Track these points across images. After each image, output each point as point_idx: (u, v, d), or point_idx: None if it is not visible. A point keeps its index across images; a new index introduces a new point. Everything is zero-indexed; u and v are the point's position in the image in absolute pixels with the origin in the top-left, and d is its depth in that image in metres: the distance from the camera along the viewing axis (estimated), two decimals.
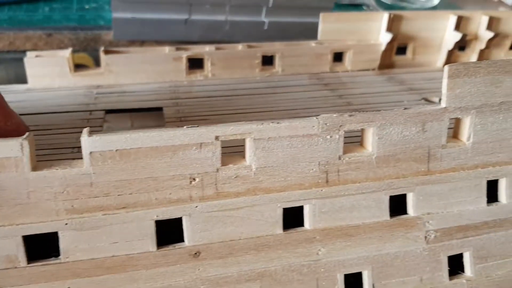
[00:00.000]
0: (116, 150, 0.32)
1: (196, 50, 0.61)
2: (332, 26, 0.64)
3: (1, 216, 0.31)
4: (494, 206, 0.40)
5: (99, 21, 0.63)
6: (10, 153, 0.30)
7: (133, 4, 0.54)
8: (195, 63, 0.62)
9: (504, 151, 0.40)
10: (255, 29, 0.48)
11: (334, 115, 0.35)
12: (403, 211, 0.39)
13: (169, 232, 0.34)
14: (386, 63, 0.66)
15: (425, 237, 0.39)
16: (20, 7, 0.61)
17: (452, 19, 0.65)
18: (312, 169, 0.36)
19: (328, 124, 0.35)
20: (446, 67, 0.36)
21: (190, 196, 0.34)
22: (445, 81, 0.36)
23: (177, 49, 0.61)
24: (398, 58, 0.67)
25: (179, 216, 0.34)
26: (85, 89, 0.57)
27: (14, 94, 0.55)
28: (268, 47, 0.62)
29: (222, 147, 0.33)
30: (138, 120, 0.51)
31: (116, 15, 0.56)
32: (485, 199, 0.40)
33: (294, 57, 0.63)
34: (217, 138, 0.33)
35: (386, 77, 0.63)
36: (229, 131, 0.33)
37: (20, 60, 0.60)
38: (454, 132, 0.39)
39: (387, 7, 0.58)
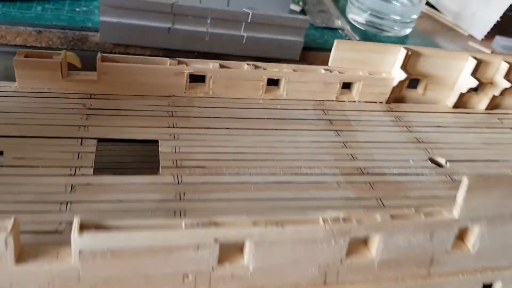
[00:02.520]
0: (108, 249, 0.29)
1: (199, 66, 0.57)
2: (344, 54, 0.61)
3: None
4: None
5: (88, 23, 0.62)
6: None
7: (120, 10, 0.55)
8: (196, 77, 0.58)
9: (505, 257, 0.39)
10: (233, 42, 0.50)
11: (342, 219, 0.33)
12: None
13: None
14: (395, 97, 0.64)
15: None
16: (14, 5, 0.60)
17: (470, 62, 0.61)
18: (311, 271, 0.34)
19: (334, 231, 0.33)
20: (465, 179, 0.34)
21: None
22: (462, 193, 0.34)
23: (179, 62, 0.57)
24: (408, 93, 0.64)
25: None
26: (76, 99, 0.53)
27: (1, 97, 0.51)
28: (275, 72, 0.59)
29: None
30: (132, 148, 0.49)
31: (103, 18, 0.56)
32: None
33: (300, 83, 0.60)
34: (216, 240, 0.31)
35: (393, 116, 0.61)
36: (230, 234, 0.31)
37: (10, 54, 0.56)
38: (460, 236, 0.38)
39: (361, 32, 0.56)
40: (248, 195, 0.44)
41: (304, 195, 0.45)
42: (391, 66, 0.62)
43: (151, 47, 0.54)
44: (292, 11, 0.58)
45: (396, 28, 0.57)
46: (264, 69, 0.59)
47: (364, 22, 0.59)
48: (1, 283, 0.29)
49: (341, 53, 0.60)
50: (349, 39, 0.56)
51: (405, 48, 0.60)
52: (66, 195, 0.40)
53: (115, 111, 0.52)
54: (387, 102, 0.64)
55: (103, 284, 0.31)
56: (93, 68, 0.58)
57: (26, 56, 0.53)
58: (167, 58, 0.57)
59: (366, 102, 0.63)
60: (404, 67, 0.61)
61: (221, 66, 0.58)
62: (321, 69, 0.61)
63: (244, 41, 0.52)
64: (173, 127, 0.52)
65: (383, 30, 0.57)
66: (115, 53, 0.60)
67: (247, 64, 0.59)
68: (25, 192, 0.40)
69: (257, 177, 0.46)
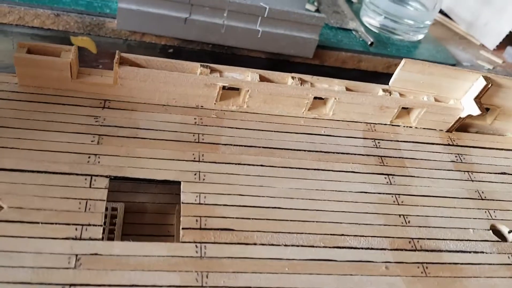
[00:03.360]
0: None
1: (236, 77, 0.48)
2: (410, 75, 0.51)
3: None
4: None
5: (105, 9, 0.55)
6: None
7: None
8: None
9: None
10: (249, 36, 0.46)
11: None
12: None
13: None
14: (458, 126, 0.54)
15: None
16: None
17: None
18: None
19: None
20: None
21: None
22: None
23: (211, 70, 0.47)
24: (474, 121, 0.55)
25: None
26: (87, 107, 0.45)
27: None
28: (324, 91, 0.49)
29: None
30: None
31: (122, 5, 0.51)
32: None
33: (352, 104, 0.51)
34: None
35: (454, 154, 0.52)
36: None
37: (27, 35, 0.51)
38: None
39: (375, 35, 0.53)
40: (282, 279, 0.37)
41: (347, 283, 0.38)
42: (462, 93, 0.52)
43: (166, 36, 0.50)
44: (307, 11, 0.52)
45: (409, 32, 0.55)
46: (312, 84, 0.49)
47: (378, 25, 0.56)
48: None
49: (406, 74, 0.50)
50: (362, 40, 0.49)
51: (485, 77, 0.49)
52: (69, 273, 0.34)
53: (132, 131, 0.44)
54: (448, 130, 0.54)
55: None
56: (108, 55, 0.49)
57: (29, 51, 0.44)
58: (198, 64, 0.47)
59: (424, 128, 0.54)
60: (479, 98, 0.51)
61: (261, 78, 0.49)
62: (379, 89, 0.51)
63: (259, 36, 0.48)
64: (199, 160, 0.44)
65: (396, 34, 0.54)
66: (131, 40, 0.50)
67: (292, 78, 0.49)
68: (22, 265, 0.33)
69: (292, 251, 0.39)
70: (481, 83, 0.49)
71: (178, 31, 0.48)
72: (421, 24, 0.57)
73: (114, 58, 0.44)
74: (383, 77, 0.52)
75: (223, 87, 0.48)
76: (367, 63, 0.53)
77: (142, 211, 0.46)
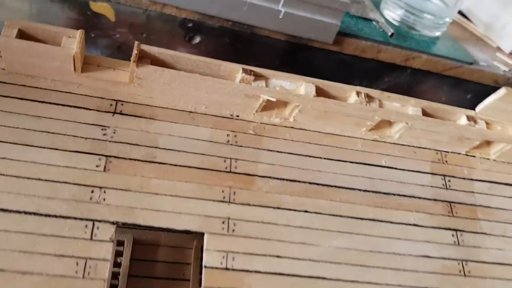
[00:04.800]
0: None
1: (286, 86, 0.37)
2: (506, 106, 0.40)
3: None
4: None
5: None
6: None
7: None
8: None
9: None
10: (270, 16, 0.43)
11: None
12: None
13: None
14: None
15: None
16: None
17: None
18: None
19: None
20: None
21: None
22: None
23: (256, 76, 0.37)
24: None
25: None
26: (94, 111, 0.35)
27: None
28: (395, 114, 0.39)
29: None
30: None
31: None
32: None
33: (427, 132, 0.40)
34: None
35: None
36: None
37: None
38: None
39: (394, 27, 0.52)
40: None
41: None
42: None
43: (188, 9, 0.43)
44: None
45: (428, 28, 0.55)
46: (380, 103, 0.39)
47: (398, 18, 0.56)
48: None
49: (502, 104, 0.39)
50: (382, 31, 0.49)
51: None
52: None
53: (148, 152, 0.35)
54: None
55: None
56: (126, 25, 0.39)
57: (20, 34, 0.33)
58: (239, 68, 0.36)
59: (504, 162, 0.44)
60: None
61: (318, 90, 0.38)
62: (463, 116, 0.40)
63: (280, 16, 0.45)
64: (229, 201, 0.35)
65: (415, 28, 0.54)
66: (150, 10, 0.40)
67: (358, 93, 0.38)
68: None
69: None
70: None
71: (200, 5, 0.43)
72: (441, 20, 0.57)
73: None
74: (400, 70, 0.51)
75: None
76: (386, 54, 0.51)
77: (154, 243, 0.38)
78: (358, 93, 0.38)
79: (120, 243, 0.37)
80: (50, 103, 0.35)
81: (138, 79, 0.35)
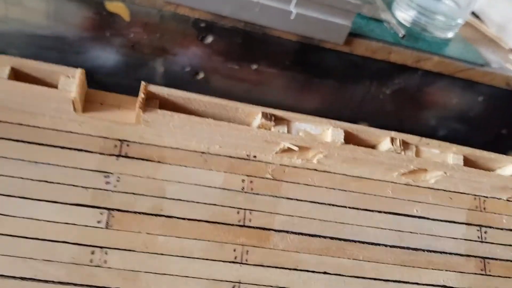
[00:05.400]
0: None
1: (308, 130, 0.33)
2: None
3: None
4: None
5: None
6: None
7: None
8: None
9: None
10: (282, 17, 0.44)
11: None
12: None
13: None
14: None
15: None
16: None
17: None
18: None
19: None
20: None
21: None
22: None
23: (276, 120, 0.33)
24: None
25: None
26: (97, 155, 0.32)
27: None
28: (433, 164, 0.34)
29: None
30: None
31: None
32: None
33: (464, 180, 0.36)
34: None
35: None
36: None
37: None
38: None
39: (406, 28, 0.52)
40: None
41: None
42: None
43: (200, 10, 0.43)
44: None
45: (440, 29, 0.55)
46: (417, 150, 0.34)
47: (410, 19, 0.55)
48: None
49: None
50: (394, 32, 0.49)
51: None
52: None
53: (155, 203, 0.32)
54: None
55: None
56: (140, 24, 0.39)
57: (14, 73, 0.29)
58: (259, 110, 0.32)
59: None
60: None
61: (347, 135, 0.33)
62: (509, 164, 0.36)
63: (292, 17, 0.44)
64: (241, 262, 0.32)
65: (427, 30, 0.53)
66: (164, 11, 0.38)
67: (392, 139, 0.34)
68: None
69: None
70: None
71: (213, 5, 0.43)
72: (453, 22, 0.56)
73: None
74: (411, 71, 0.50)
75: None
76: (397, 55, 0.49)
77: None
78: (392, 140, 0.34)
79: None
80: (48, 145, 0.31)
81: (146, 122, 0.31)
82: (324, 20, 0.43)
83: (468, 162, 0.36)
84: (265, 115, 0.32)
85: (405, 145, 0.34)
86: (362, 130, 0.34)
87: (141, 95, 0.30)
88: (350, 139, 0.34)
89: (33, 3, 0.40)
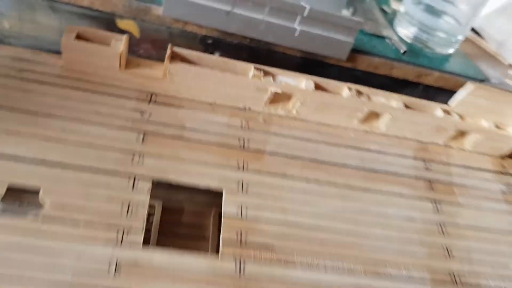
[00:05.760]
0: None
1: (289, 82, 0.46)
2: (475, 100, 0.48)
3: None
4: None
5: None
6: None
7: None
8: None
9: None
10: (286, 34, 0.47)
11: None
12: None
13: None
14: None
15: None
16: None
17: None
18: None
19: None
20: None
21: None
22: None
23: (265, 73, 0.45)
24: None
25: None
26: (134, 100, 0.44)
27: (41, 86, 0.42)
28: (381, 105, 0.47)
29: None
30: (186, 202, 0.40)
31: None
32: None
33: (408, 122, 0.48)
34: None
35: (504, 184, 0.50)
36: None
37: (74, 14, 0.48)
38: None
39: (407, 45, 0.54)
40: None
41: None
42: None
43: (208, 27, 0.48)
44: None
45: (441, 45, 0.56)
46: (368, 97, 0.47)
47: (411, 36, 0.57)
48: None
49: (472, 98, 0.47)
50: (395, 48, 0.51)
51: None
52: (108, 280, 0.33)
53: (177, 131, 0.43)
54: (502, 157, 0.51)
55: None
56: (149, 41, 0.48)
57: (78, 36, 0.42)
58: (251, 66, 0.45)
59: (478, 153, 0.51)
60: None
61: (317, 86, 0.46)
62: (438, 109, 0.48)
63: (296, 34, 0.47)
64: (243, 169, 0.42)
65: (428, 46, 0.55)
66: (173, 28, 0.49)
67: (349, 88, 0.47)
68: (62, 271, 0.33)
69: (332, 276, 0.38)
70: None
71: (220, 23, 0.48)
72: (453, 38, 0.57)
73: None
74: (412, 86, 0.53)
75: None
76: (398, 70, 0.52)
77: (179, 210, 0.45)
78: (349, 88, 0.47)
79: (151, 206, 0.44)
80: (100, 92, 0.43)
81: (170, 74, 0.44)
82: (327, 37, 0.47)
83: (408, 108, 0.48)
84: (256, 68, 0.45)
85: (359, 93, 0.47)
86: (326, 82, 0.47)
87: (169, 52, 0.43)
88: (319, 89, 0.47)
89: (47, 20, 0.48)
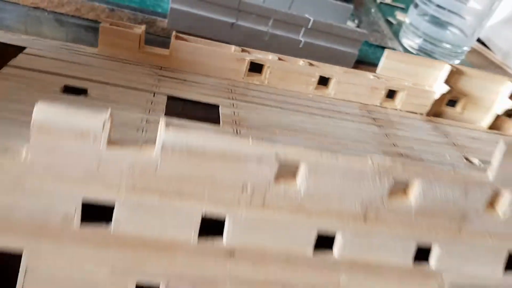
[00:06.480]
0: (187, 147, 0.34)
1: (260, 56, 0.63)
2: (393, 64, 0.66)
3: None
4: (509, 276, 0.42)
5: (158, 8, 0.66)
6: (92, 126, 0.33)
7: (191, 0, 0.58)
8: (254, 67, 0.64)
9: None
10: (290, 46, 0.51)
11: (388, 161, 0.37)
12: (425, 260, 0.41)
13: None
14: (434, 111, 0.68)
15: None
16: None
17: (508, 86, 0.66)
18: (354, 206, 0.38)
19: (380, 169, 0.37)
20: (502, 144, 0.38)
21: (238, 202, 0.37)
22: (497, 157, 0.38)
23: (242, 50, 0.63)
24: (447, 109, 0.69)
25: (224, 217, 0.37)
26: (149, 68, 0.60)
27: (85, 57, 0.58)
28: (327, 70, 0.65)
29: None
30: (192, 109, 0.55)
31: (174, 6, 0.60)
32: (502, 268, 0.42)
33: (349, 84, 0.66)
34: (276, 156, 0.35)
35: (432, 125, 0.65)
36: (289, 152, 0.36)
37: (81, 26, 0.61)
38: (491, 202, 0.41)
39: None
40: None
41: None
42: (435, 80, 0.67)
43: (213, 39, 0.58)
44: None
45: (446, 56, 0.61)
46: (317, 67, 0.65)
47: (416, 47, 0.62)
48: (91, 161, 0.34)
49: (390, 62, 0.66)
50: None
51: (450, 65, 0.65)
52: (143, 123, 0.45)
53: (182, 81, 0.59)
54: (427, 114, 0.68)
55: (176, 179, 0.35)
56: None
57: (111, 25, 0.61)
58: (232, 46, 0.64)
59: (407, 111, 0.68)
60: (446, 82, 0.66)
61: (279, 59, 0.64)
62: (369, 74, 0.66)
63: (300, 46, 0.54)
64: (233, 99, 0.57)
65: (433, 57, 0.60)
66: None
67: (303, 61, 0.65)
68: None
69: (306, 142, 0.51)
70: (447, 69, 0.65)
71: (224, 35, 0.54)
72: (459, 49, 0.59)
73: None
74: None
75: (250, 64, 0.63)
76: None
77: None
78: (303, 61, 0.65)
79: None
80: (124, 62, 0.60)
81: (175, 51, 0.62)
82: (331, 48, 0.50)
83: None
84: (236, 46, 0.64)
85: (310, 64, 0.65)
86: (286, 57, 0.65)
87: (174, 33, 0.62)
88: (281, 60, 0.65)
89: (53, 33, 0.56)
